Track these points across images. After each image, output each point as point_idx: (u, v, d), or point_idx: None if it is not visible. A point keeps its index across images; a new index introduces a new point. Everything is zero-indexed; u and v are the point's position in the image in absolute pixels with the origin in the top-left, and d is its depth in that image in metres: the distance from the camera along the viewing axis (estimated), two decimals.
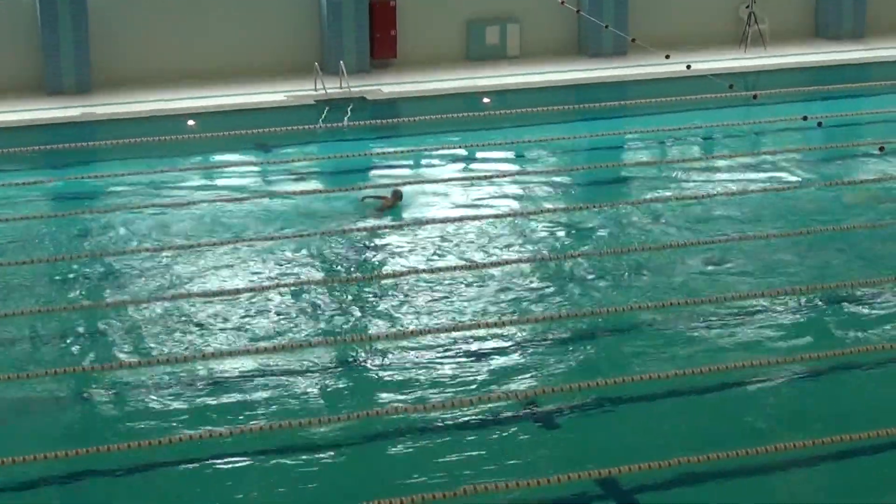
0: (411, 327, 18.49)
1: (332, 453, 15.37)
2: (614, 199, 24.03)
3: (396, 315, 18.96)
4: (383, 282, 20.24)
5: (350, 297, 19.69)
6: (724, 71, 31.66)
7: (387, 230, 22.41)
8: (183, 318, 18.76)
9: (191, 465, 15.09)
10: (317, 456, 15.26)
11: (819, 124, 25.98)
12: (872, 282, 19.90)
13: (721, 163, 26.36)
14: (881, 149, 25.78)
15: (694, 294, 19.59)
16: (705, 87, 29.71)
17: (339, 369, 17.53)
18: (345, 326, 18.63)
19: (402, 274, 20.44)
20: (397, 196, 23.55)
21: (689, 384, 16.76)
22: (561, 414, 16.16)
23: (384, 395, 16.65)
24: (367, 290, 19.98)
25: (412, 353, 17.79)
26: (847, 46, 35.34)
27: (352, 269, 20.84)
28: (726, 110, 29.63)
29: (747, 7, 35.29)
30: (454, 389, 16.69)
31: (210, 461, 15.15)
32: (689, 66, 27.11)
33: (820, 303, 19.43)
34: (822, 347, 17.81)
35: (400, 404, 16.27)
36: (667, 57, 27.42)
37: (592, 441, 15.71)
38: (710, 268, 20.72)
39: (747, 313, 18.98)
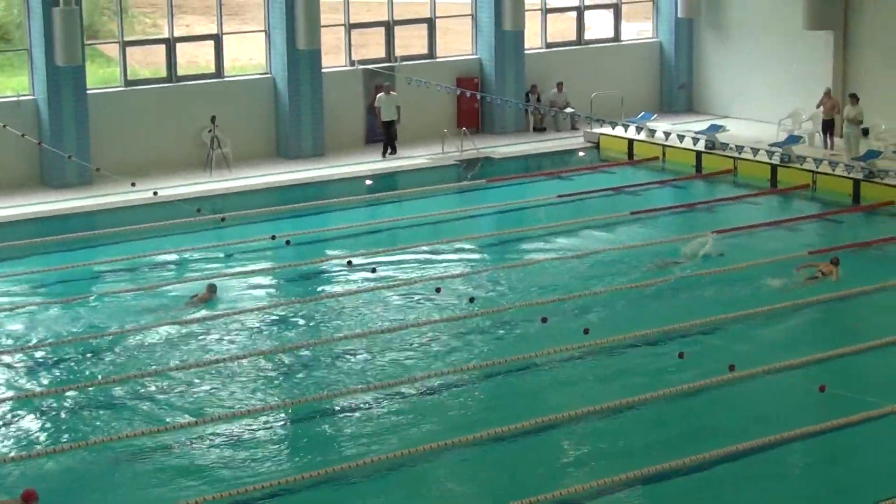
0: None
1: None
2: (90, 332, 23.69)
3: None
4: None
5: None
6: (191, 195, 31.99)
7: None
8: None
9: None
10: None
11: (287, 242, 26.69)
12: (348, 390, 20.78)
13: (187, 284, 26.44)
14: (349, 263, 26.66)
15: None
16: (174, 213, 29.88)
17: None
18: None
19: None
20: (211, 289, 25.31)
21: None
22: None
23: None
24: None
25: None
26: (308, 165, 36.35)
27: None
28: (197, 234, 29.84)
29: (210, 131, 35.74)
30: None
31: None
32: (155, 193, 27.34)
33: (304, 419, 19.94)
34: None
35: None
36: (133, 185, 27.49)
37: None
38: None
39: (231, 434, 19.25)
